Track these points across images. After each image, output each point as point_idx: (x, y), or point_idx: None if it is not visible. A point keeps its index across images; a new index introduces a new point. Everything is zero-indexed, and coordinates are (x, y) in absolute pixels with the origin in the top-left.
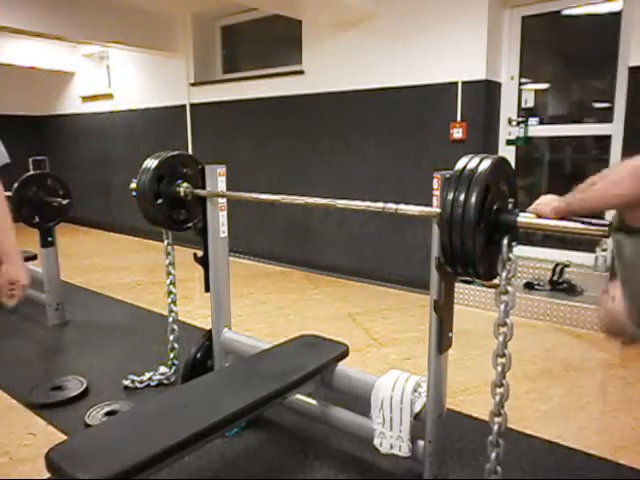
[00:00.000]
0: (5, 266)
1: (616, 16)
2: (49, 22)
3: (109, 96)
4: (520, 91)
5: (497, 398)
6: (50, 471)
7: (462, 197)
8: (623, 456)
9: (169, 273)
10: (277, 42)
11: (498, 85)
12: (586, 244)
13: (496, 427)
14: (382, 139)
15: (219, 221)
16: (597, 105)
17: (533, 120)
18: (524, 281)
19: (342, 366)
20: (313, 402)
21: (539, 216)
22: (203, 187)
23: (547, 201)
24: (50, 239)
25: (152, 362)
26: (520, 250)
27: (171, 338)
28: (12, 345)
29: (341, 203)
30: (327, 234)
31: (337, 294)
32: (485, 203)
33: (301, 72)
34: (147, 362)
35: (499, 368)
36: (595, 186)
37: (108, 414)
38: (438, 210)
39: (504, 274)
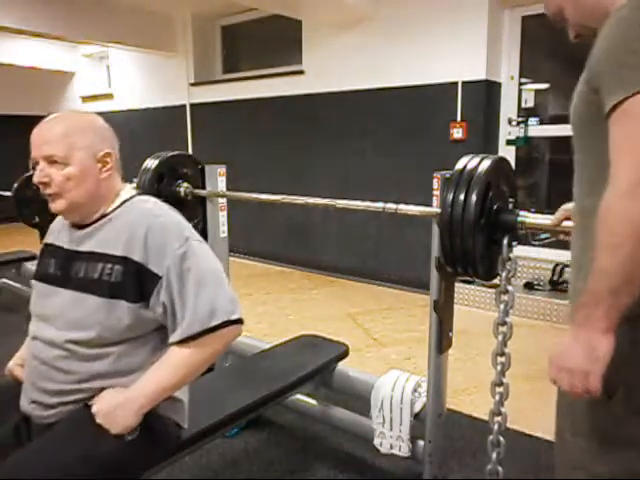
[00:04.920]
0: (108, 403)
1: None
2: (49, 22)
3: (109, 96)
4: (520, 91)
5: (497, 397)
6: None
7: (462, 197)
8: None
9: None
10: (277, 42)
11: (498, 85)
12: None
13: (496, 426)
14: (382, 139)
15: (219, 221)
16: None
17: (533, 120)
18: (524, 281)
19: (342, 366)
20: (313, 402)
21: None
22: (203, 187)
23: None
24: None
25: None
26: (520, 250)
27: None
28: (12, 345)
29: (341, 203)
30: (327, 234)
31: (337, 294)
32: (485, 203)
33: (301, 72)
34: None
35: (499, 367)
36: None
37: None
38: (438, 210)
39: (504, 274)
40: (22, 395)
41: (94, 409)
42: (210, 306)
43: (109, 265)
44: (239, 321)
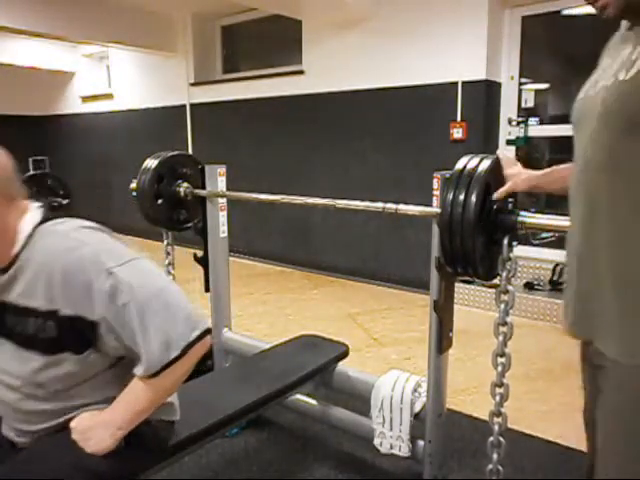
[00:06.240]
0: (85, 421)
1: None
2: (49, 22)
3: (109, 96)
4: (520, 91)
5: (497, 398)
6: None
7: (462, 197)
8: None
9: (169, 273)
10: (277, 42)
11: (498, 85)
12: None
13: (496, 427)
14: (382, 139)
15: (219, 221)
16: None
17: (533, 120)
18: (524, 281)
19: (342, 366)
20: (313, 402)
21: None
22: (203, 187)
23: (518, 173)
24: None
25: None
26: (520, 250)
27: None
28: None
29: (341, 203)
30: (327, 234)
31: (337, 294)
32: (485, 203)
33: (301, 72)
34: None
35: (499, 368)
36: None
37: None
38: (438, 210)
39: (504, 274)
40: (3, 420)
41: (72, 424)
42: (163, 338)
43: (40, 321)
44: (204, 334)
